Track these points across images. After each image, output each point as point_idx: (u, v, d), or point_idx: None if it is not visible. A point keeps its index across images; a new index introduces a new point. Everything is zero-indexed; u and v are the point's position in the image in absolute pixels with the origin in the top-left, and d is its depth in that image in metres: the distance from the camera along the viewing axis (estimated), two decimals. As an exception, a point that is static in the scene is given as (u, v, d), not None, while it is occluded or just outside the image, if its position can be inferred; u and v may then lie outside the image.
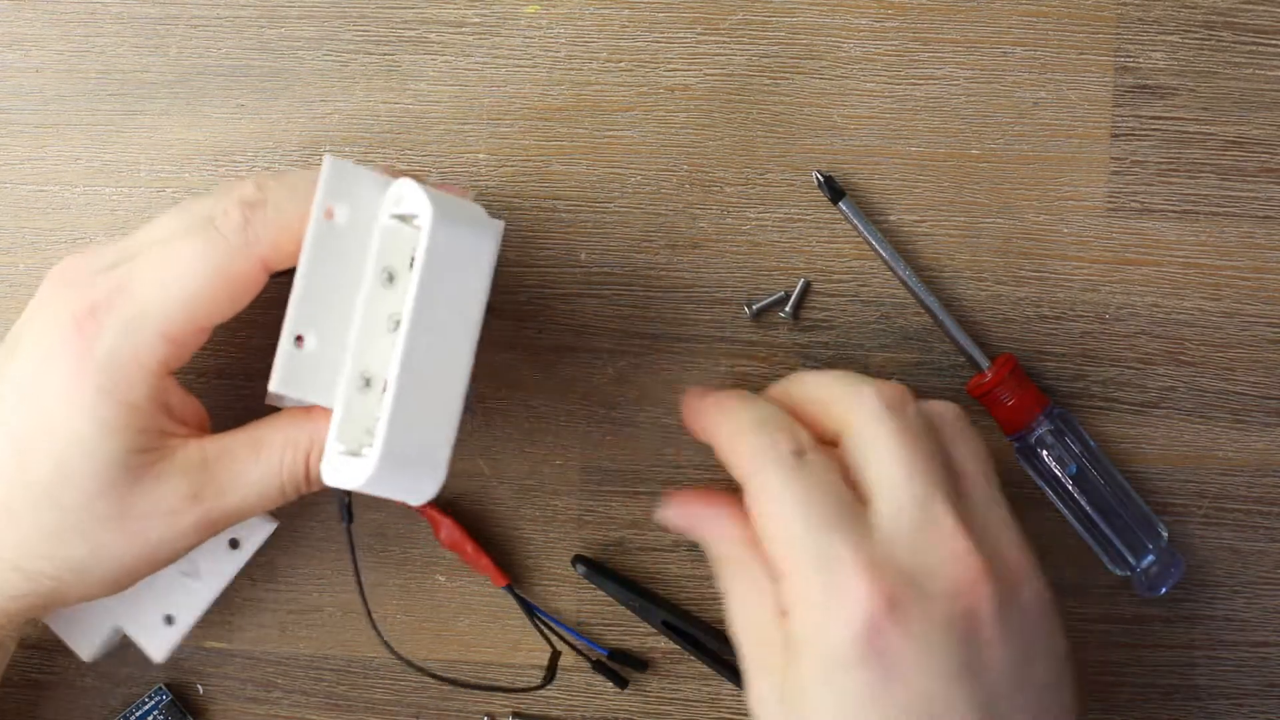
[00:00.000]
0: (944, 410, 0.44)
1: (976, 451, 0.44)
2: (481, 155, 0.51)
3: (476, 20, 0.51)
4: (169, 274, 0.41)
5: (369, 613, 0.45)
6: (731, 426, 0.43)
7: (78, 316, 0.41)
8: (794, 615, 0.40)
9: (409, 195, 0.41)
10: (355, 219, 0.41)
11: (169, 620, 0.50)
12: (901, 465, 0.41)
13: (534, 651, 0.52)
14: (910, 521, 0.40)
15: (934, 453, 0.42)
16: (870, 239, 0.50)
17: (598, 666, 0.51)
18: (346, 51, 0.51)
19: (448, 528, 0.51)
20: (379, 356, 0.41)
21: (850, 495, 0.41)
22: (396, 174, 0.42)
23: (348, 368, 0.41)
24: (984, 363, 0.49)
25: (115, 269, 0.42)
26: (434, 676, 0.48)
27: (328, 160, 0.41)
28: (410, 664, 0.46)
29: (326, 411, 0.43)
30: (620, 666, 0.52)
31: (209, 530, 0.43)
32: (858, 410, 0.42)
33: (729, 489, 0.44)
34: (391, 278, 0.41)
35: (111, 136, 0.51)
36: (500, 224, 0.41)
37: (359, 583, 0.46)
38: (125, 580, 0.43)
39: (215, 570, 0.50)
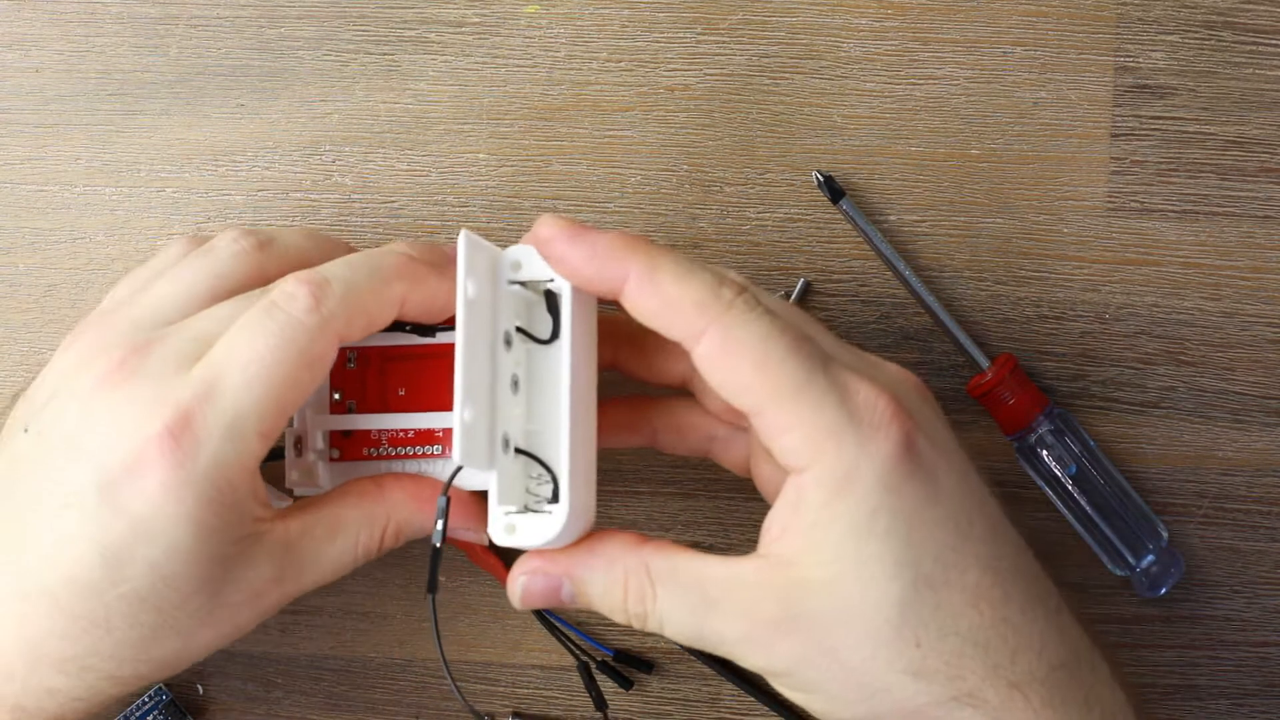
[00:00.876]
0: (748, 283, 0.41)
1: (797, 308, 0.43)
2: (481, 155, 0.51)
3: (476, 20, 0.51)
4: (253, 369, 0.40)
5: (453, 680, 0.44)
6: (678, 277, 0.39)
7: (171, 426, 0.39)
8: (818, 468, 0.38)
9: (533, 262, 0.41)
10: (480, 289, 0.41)
11: None
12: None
13: (534, 652, 0.52)
14: (852, 356, 0.40)
15: (799, 334, 0.39)
16: (870, 239, 0.50)
17: (602, 667, 0.51)
18: (346, 51, 0.51)
19: (452, 529, 0.51)
20: (507, 418, 0.42)
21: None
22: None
23: (497, 434, 0.41)
24: (984, 363, 0.49)
25: (193, 368, 0.40)
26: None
27: (464, 237, 0.40)
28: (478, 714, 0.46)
29: (396, 482, 0.44)
30: (625, 667, 0.52)
31: (285, 603, 0.43)
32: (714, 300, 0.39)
33: None
34: (509, 341, 0.42)
35: (111, 136, 0.51)
36: None
37: (442, 653, 0.45)
38: (206, 656, 0.43)
39: None
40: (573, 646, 0.51)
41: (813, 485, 0.38)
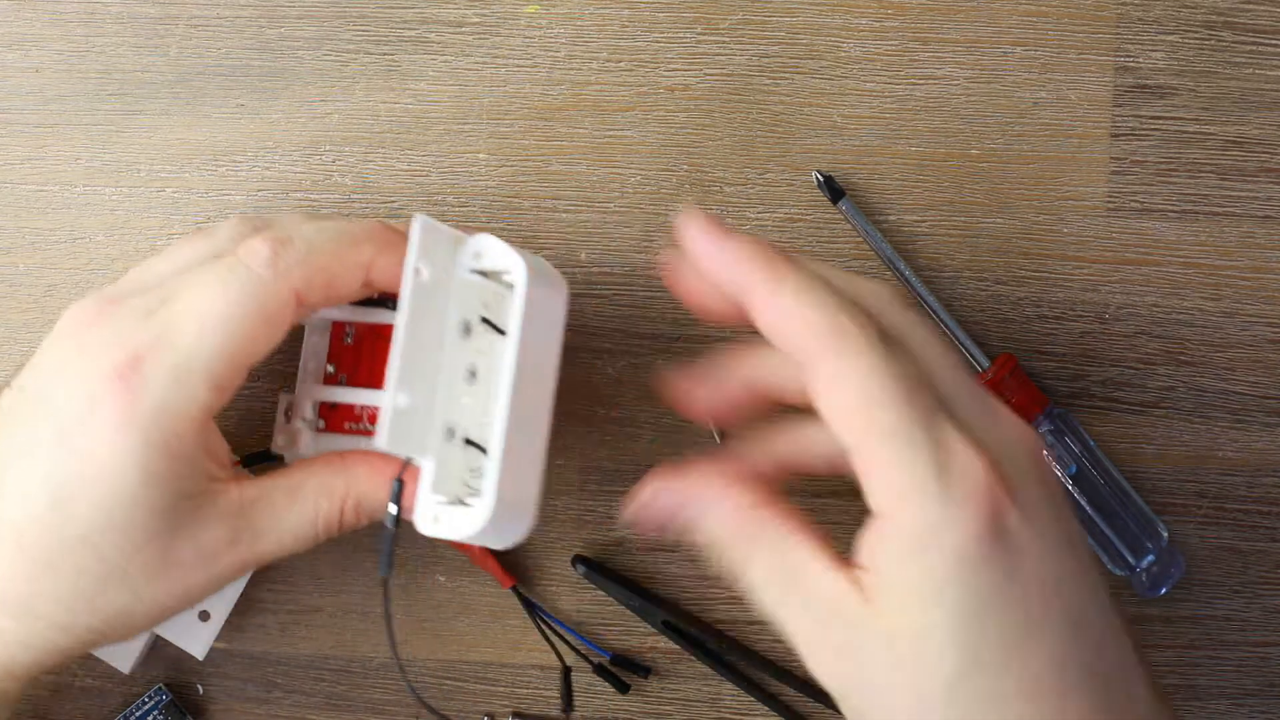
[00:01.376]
0: (888, 303, 0.39)
1: (931, 337, 0.39)
2: (481, 155, 0.51)
3: (476, 20, 0.51)
4: (208, 318, 0.40)
5: (402, 670, 0.44)
6: (797, 293, 0.38)
7: (120, 367, 0.40)
8: (900, 520, 0.36)
9: (494, 251, 0.41)
10: (435, 275, 0.41)
11: (204, 616, 0.50)
12: (949, 359, 0.39)
13: (534, 652, 0.52)
14: (976, 405, 0.38)
15: (911, 375, 0.37)
16: (870, 239, 0.50)
17: (599, 670, 0.51)
18: (346, 51, 0.51)
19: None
20: (458, 408, 0.42)
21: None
22: (468, 229, 0.43)
23: (437, 421, 0.41)
24: (984, 363, 0.49)
25: (152, 316, 0.41)
26: None
27: (419, 221, 0.41)
28: (436, 713, 0.46)
29: (361, 458, 0.44)
30: (623, 671, 0.52)
31: (242, 571, 0.43)
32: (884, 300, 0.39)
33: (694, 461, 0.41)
34: (468, 330, 0.42)
35: (111, 136, 0.51)
36: (565, 281, 0.43)
37: (392, 640, 0.45)
38: (160, 621, 0.43)
39: None
40: (572, 648, 0.51)
41: (892, 535, 0.37)
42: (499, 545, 0.42)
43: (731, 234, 0.39)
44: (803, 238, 0.51)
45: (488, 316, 0.42)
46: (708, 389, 0.41)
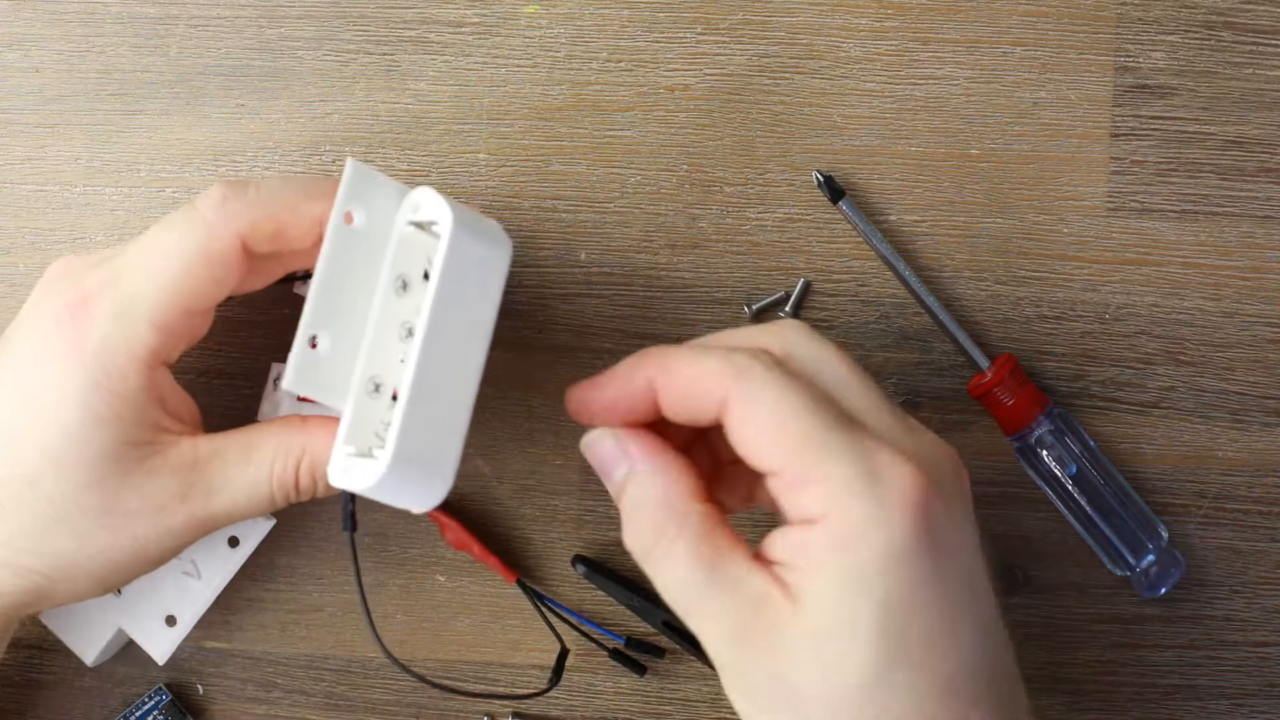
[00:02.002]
0: (794, 340, 0.40)
1: (841, 363, 0.40)
2: (481, 155, 0.51)
3: (476, 20, 0.51)
4: (153, 260, 0.41)
5: (370, 620, 0.45)
6: (692, 359, 0.39)
7: (70, 305, 0.41)
8: (830, 520, 0.36)
9: (427, 202, 0.41)
10: (373, 225, 0.41)
11: (170, 621, 0.50)
12: (857, 380, 0.39)
13: (534, 652, 0.52)
14: (894, 420, 0.38)
15: (818, 395, 0.38)
16: (870, 239, 0.50)
17: (615, 655, 0.51)
18: (346, 51, 0.51)
19: (453, 529, 0.51)
20: (390, 364, 0.41)
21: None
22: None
23: (359, 371, 0.41)
24: (984, 363, 0.49)
25: (107, 261, 0.42)
26: (434, 685, 0.48)
27: (350, 164, 0.41)
28: (407, 669, 0.46)
29: (322, 422, 0.43)
30: (638, 654, 0.51)
31: (197, 530, 0.43)
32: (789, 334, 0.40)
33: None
34: (405, 286, 0.41)
35: (111, 136, 0.51)
36: (510, 241, 0.42)
37: (361, 591, 0.46)
38: (114, 579, 0.43)
39: (215, 569, 0.50)
40: (587, 637, 0.51)
41: (821, 535, 0.37)
42: (408, 505, 0.40)
43: (604, 374, 0.40)
44: (802, 238, 0.51)
45: (430, 276, 0.41)
46: (608, 392, 0.40)
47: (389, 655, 0.45)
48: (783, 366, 0.38)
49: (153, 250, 0.41)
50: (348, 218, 0.41)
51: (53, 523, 0.41)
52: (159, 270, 0.41)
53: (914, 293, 0.50)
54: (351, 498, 0.42)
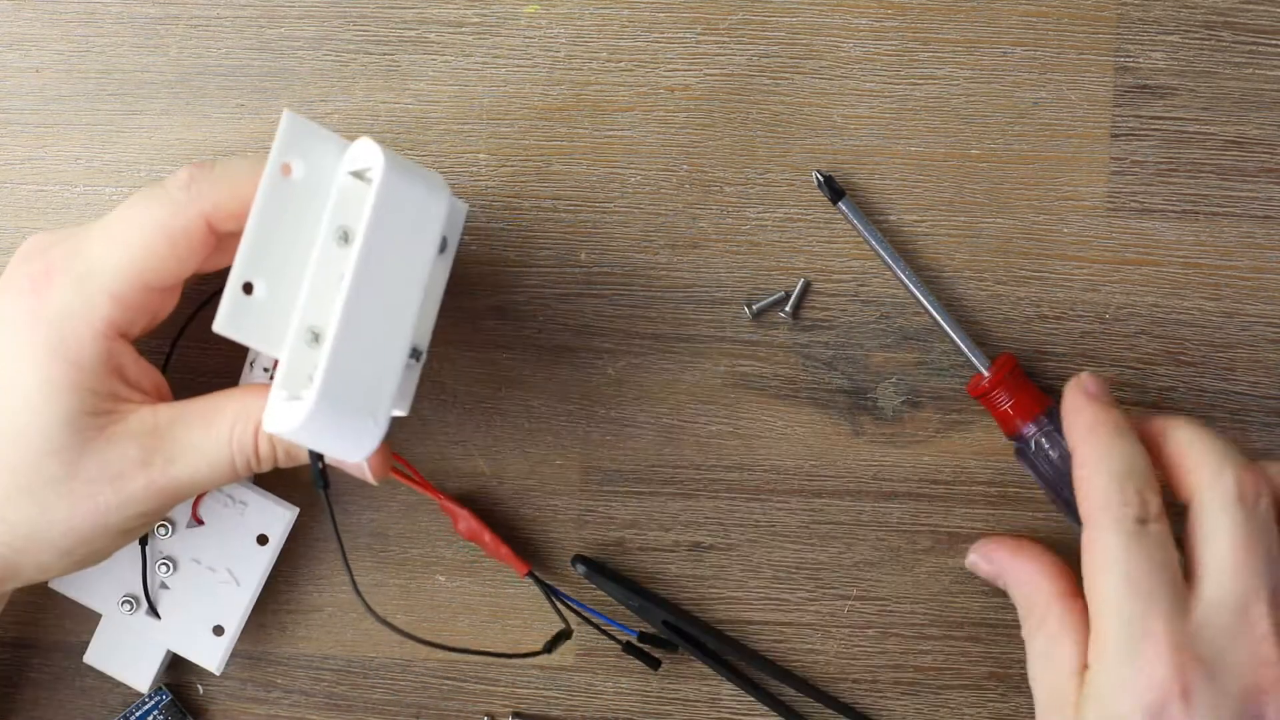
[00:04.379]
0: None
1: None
2: (481, 155, 0.51)
3: (476, 20, 0.51)
4: (115, 233, 0.42)
5: (354, 581, 0.44)
6: (1095, 463, 0.44)
7: (33, 276, 0.42)
8: (1092, 671, 0.43)
9: (363, 151, 0.41)
10: (313, 177, 0.41)
11: (218, 630, 0.50)
12: (1235, 561, 0.42)
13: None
14: (1227, 616, 0.42)
15: (1273, 554, 0.43)
16: (870, 239, 0.50)
17: (628, 649, 0.51)
18: (346, 51, 0.51)
19: (465, 519, 0.51)
20: (328, 314, 0.41)
21: (1177, 573, 0.43)
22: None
23: (296, 319, 0.41)
24: (984, 363, 0.49)
25: (73, 236, 0.42)
26: (424, 642, 0.46)
27: (286, 115, 0.41)
28: (393, 627, 0.46)
29: None
30: (650, 648, 0.51)
31: (159, 498, 0.43)
32: (1211, 490, 0.44)
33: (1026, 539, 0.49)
34: (346, 237, 0.41)
35: (111, 136, 0.51)
36: (459, 202, 0.42)
37: (343, 549, 0.45)
38: (79, 550, 0.43)
39: (250, 570, 0.50)
40: (602, 631, 0.51)
41: (1091, 692, 0.43)
42: (342, 453, 0.40)
43: (1098, 388, 0.47)
44: (803, 238, 0.51)
45: (361, 216, 0.41)
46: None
47: (372, 611, 0.45)
48: (1143, 526, 0.43)
49: (115, 224, 0.42)
50: (285, 169, 0.41)
51: (13, 491, 0.42)
52: (120, 243, 0.41)
53: (914, 293, 0.50)
54: (320, 457, 0.42)
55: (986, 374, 0.49)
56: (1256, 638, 0.42)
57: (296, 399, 0.40)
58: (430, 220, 0.41)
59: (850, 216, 0.50)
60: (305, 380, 0.41)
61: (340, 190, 0.41)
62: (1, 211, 0.52)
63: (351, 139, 0.51)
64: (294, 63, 0.51)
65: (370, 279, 0.39)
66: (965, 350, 0.49)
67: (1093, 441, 0.45)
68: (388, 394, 0.40)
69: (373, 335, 0.40)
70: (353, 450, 0.40)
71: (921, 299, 0.50)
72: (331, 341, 0.39)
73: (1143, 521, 0.43)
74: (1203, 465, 0.44)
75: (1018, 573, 0.47)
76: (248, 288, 0.40)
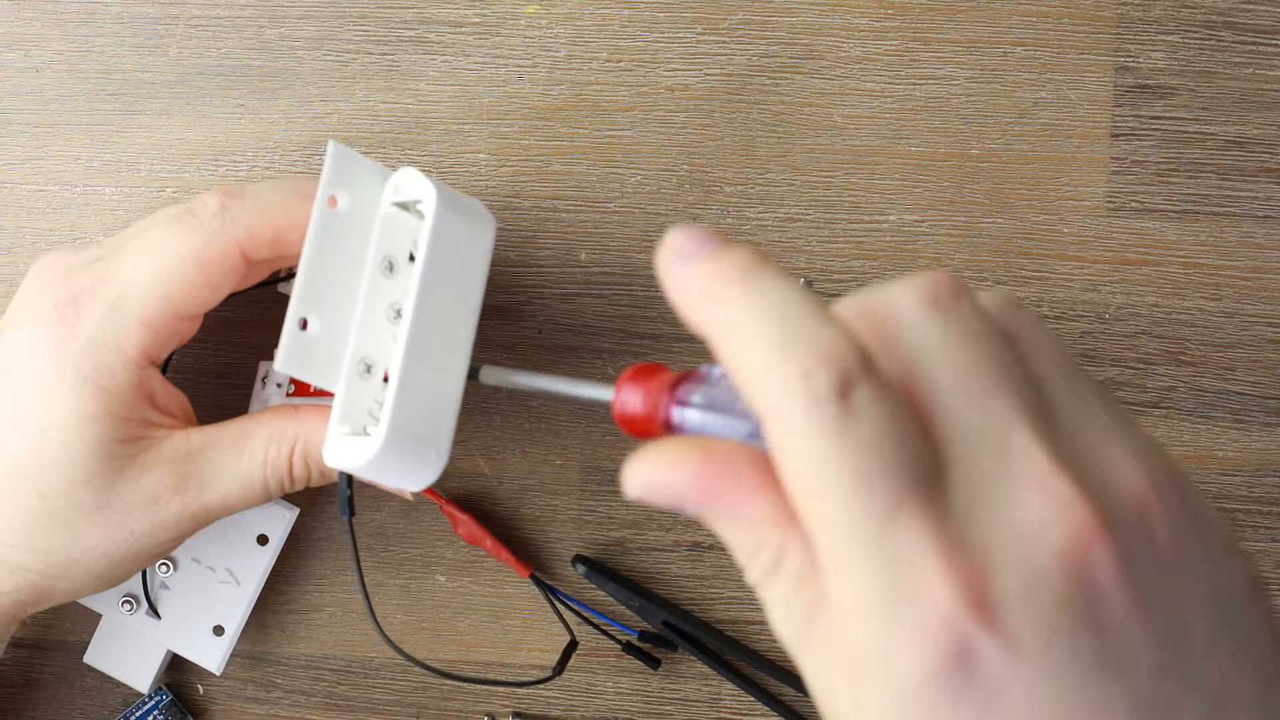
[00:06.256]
0: (998, 301, 0.31)
1: (1049, 342, 0.30)
2: (481, 155, 0.51)
3: (476, 20, 0.51)
4: (148, 261, 0.41)
5: (370, 608, 0.45)
6: (745, 324, 0.28)
7: (59, 304, 0.41)
8: (848, 625, 0.27)
9: (411, 182, 0.41)
10: (357, 207, 0.41)
11: (218, 630, 0.50)
12: (964, 385, 0.28)
13: (534, 651, 0.52)
14: (989, 466, 0.27)
15: (1007, 359, 0.29)
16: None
17: (628, 649, 0.51)
18: (346, 51, 0.51)
19: (466, 523, 0.51)
20: (379, 344, 0.41)
21: (919, 444, 0.27)
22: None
23: (350, 352, 0.41)
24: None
25: (100, 260, 0.42)
26: (437, 672, 0.48)
27: (332, 146, 0.41)
28: (412, 659, 0.46)
29: (314, 409, 0.44)
30: (650, 648, 0.51)
31: (192, 523, 0.43)
32: (896, 309, 0.29)
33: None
34: (392, 267, 0.41)
35: (111, 136, 0.51)
36: (493, 217, 0.42)
37: (360, 578, 0.46)
38: (112, 574, 0.43)
39: (250, 570, 0.50)
40: (602, 630, 0.51)
41: (841, 644, 0.28)
42: (405, 483, 0.40)
43: (709, 250, 0.30)
44: (802, 238, 0.51)
45: (416, 254, 0.41)
46: None
47: (390, 643, 0.45)
48: (847, 399, 0.27)
49: (147, 251, 0.41)
50: (332, 201, 0.41)
51: (46, 518, 0.41)
52: (153, 271, 0.41)
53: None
54: (349, 482, 0.42)
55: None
56: (1036, 478, 0.27)
57: (360, 434, 0.40)
58: (479, 248, 0.41)
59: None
60: (363, 413, 0.41)
61: (384, 219, 0.42)
62: (1, 211, 0.52)
63: (352, 140, 0.51)
64: (294, 63, 0.51)
65: (429, 312, 0.40)
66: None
67: (721, 313, 0.29)
68: (449, 425, 0.40)
69: (433, 368, 0.40)
70: (415, 481, 0.40)
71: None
72: (398, 378, 0.39)
73: (844, 391, 0.27)
74: (871, 300, 0.29)
75: (718, 496, 0.29)
76: (303, 324, 0.41)
